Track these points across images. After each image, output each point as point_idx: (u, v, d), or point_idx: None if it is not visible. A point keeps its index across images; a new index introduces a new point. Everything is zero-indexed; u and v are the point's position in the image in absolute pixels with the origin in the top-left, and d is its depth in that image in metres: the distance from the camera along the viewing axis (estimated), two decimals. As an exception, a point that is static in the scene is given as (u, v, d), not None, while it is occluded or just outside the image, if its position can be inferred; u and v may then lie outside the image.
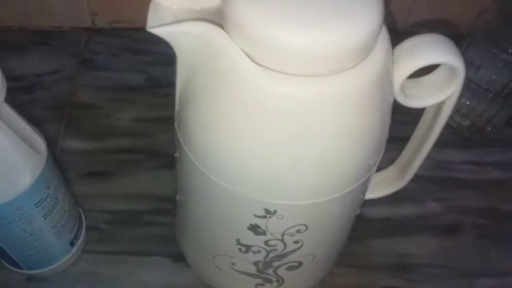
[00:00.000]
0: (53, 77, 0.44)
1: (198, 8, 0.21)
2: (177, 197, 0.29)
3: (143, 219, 0.36)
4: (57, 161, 0.38)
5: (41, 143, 0.27)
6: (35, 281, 0.33)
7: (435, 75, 0.24)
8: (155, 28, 0.20)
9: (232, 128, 0.21)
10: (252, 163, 0.21)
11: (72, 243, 0.32)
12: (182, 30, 0.20)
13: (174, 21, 0.20)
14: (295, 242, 0.25)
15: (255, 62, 0.19)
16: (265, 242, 0.25)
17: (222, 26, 0.20)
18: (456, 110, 0.42)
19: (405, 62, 0.23)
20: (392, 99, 0.24)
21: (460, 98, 0.40)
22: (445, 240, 0.37)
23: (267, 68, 0.19)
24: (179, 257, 0.34)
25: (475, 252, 0.37)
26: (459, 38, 0.40)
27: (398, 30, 0.47)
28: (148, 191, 0.38)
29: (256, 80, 0.20)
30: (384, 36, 0.21)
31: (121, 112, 0.42)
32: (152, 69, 0.45)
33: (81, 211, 0.35)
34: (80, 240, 0.33)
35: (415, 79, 0.25)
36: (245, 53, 0.19)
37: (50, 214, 0.29)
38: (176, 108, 0.24)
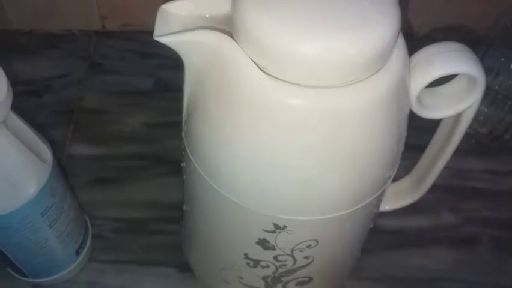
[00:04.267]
0: (61, 81, 0.43)
1: (207, 15, 0.20)
2: (184, 207, 0.28)
3: (150, 228, 0.36)
4: (64, 166, 0.38)
5: (47, 152, 0.27)
6: (41, 290, 0.33)
7: (453, 84, 0.23)
8: (162, 37, 0.19)
9: (242, 141, 0.20)
10: (262, 178, 0.20)
11: (78, 252, 0.32)
12: (190, 39, 0.19)
13: (182, 29, 0.19)
14: (306, 257, 0.24)
15: (265, 72, 0.19)
16: (274, 257, 0.24)
17: (231, 35, 0.19)
18: (474, 117, 0.41)
19: (422, 71, 0.21)
20: (409, 110, 0.22)
21: (477, 104, 0.40)
22: (462, 253, 0.36)
23: (278, 79, 0.19)
24: (186, 268, 0.33)
25: (493, 265, 0.35)
26: (477, 42, 0.39)
27: (414, 34, 0.45)
28: (155, 198, 0.37)
29: (267, 92, 0.19)
30: (401, 45, 0.20)
31: (129, 117, 0.41)
32: (161, 72, 0.44)
33: (87, 219, 0.34)
34: (86, 249, 0.33)
35: (432, 88, 0.23)
36: (255, 63, 0.19)
37: (55, 223, 0.28)
38: (184, 117, 0.23)
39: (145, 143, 0.40)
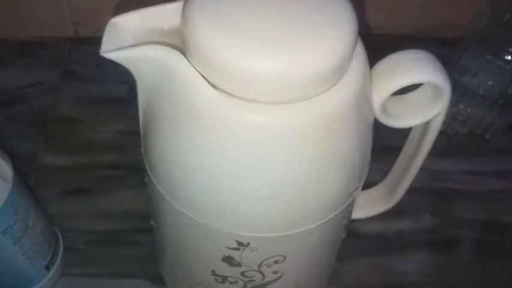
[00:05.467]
0: (34, 90, 0.42)
1: (157, 28, 0.20)
2: (151, 222, 0.28)
3: (124, 239, 0.35)
4: (35, 178, 0.37)
5: (6, 168, 0.26)
6: (13, 307, 0.32)
7: (419, 93, 0.23)
8: (109, 53, 0.18)
9: (196, 158, 0.19)
10: (219, 194, 0.20)
11: (48, 268, 0.31)
12: (138, 55, 0.18)
13: (130, 44, 0.19)
14: (274, 272, 0.24)
15: (216, 87, 0.18)
16: (242, 273, 0.23)
17: (181, 50, 0.18)
18: (453, 117, 0.40)
19: (386, 81, 0.21)
20: (372, 120, 0.22)
21: (456, 104, 0.40)
22: (443, 257, 0.35)
23: (230, 94, 0.18)
24: (160, 280, 0.32)
25: (475, 268, 0.35)
26: (454, 43, 0.38)
27: (392, 35, 0.45)
28: (130, 208, 0.36)
29: (218, 108, 0.18)
30: (360, 54, 0.20)
31: (104, 125, 0.40)
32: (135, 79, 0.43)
33: (58, 232, 0.33)
34: (56, 264, 0.32)
35: (398, 96, 0.23)
36: (205, 79, 0.18)
37: (20, 241, 0.27)
38: (142, 132, 0.22)
39: (120, 152, 0.39)
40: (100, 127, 0.40)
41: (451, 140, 0.41)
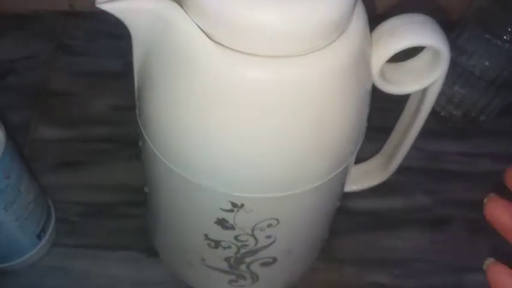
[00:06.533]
0: (27, 63, 0.42)
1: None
2: (145, 189, 0.28)
3: (117, 211, 0.35)
4: (29, 150, 0.37)
5: (-1, 132, 0.26)
6: (3, 275, 0.31)
7: (418, 59, 0.23)
8: (105, 4, 0.18)
9: (192, 114, 0.19)
10: (214, 153, 0.20)
11: (39, 236, 0.31)
12: (134, 7, 0.18)
13: (127, -4, 0.18)
14: (267, 237, 0.23)
15: (214, 41, 0.18)
16: (235, 237, 0.23)
17: (179, 2, 0.18)
18: (448, 99, 0.40)
19: (385, 43, 0.21)
20: (371, 85, 0.22)
21: (452, 86, 0.40)
22: (434, 234, 0.35)
23: (228, 47, 0.18)
24: (152, 252, 0.32)
25: (465, 246, 0.35)
26: (452, 24, 0.38)
27: (388, 14, 0.45)
28: (122, 181, 0.36)
29: (217, 62, 0.18)
30: (360, 13, 0.20)
31: (97, 99, 0.40)
32: (131, 54, 0.43)
33: (50, 203, 0.33)
34: (48, 233, 0.32)
35: (397, 63, 0.23)
36: (203, 31, 0.18)
37: (11, 206, 0.27)
38: (136, 93, 0.22)
39: (113, 125, 0.39)
40: (94, 101, 0.40)
41: (446, 122, 0.41)
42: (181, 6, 0.18)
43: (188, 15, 0.18)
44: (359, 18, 0.19)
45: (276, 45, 0.17)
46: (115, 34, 0.43)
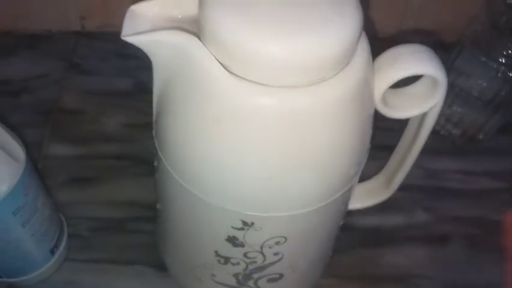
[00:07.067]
0: (40, 81, 0.43)
1: (175, 16, 0.21)
2: (157, 206, 0.29)
3: (127, 227, 0.36)
4: (41, 167, 0.38)
5: (20, 151, 0.27)
6: (15, 290, 0.32)
7: (417, 85, 0.24)
8: (130, 36, 0.19)
9: (208, 139, 0.20)
10: (228, 175, 0.21)
11: (52, 252, 0.32)
12: (157, 39, 0.19)
13: (150, 29, 0.20)
14: (275, 254, 0.25)
15: (230, 72, 0.19)
16: (244, 254, 0.24)
17: (198, 36, 0.20)
18: (447, 118, 0.42)
19: (386, 72, 0.22)
20: (373, 110, 0.23)
21: (451, 106, 0.41)
22: (435, 251, 0.36)
23: (243, 78, 0.19)
24: (161, 267, 0.33)
25: (465, 262, 0.36)
26: (450, 46, 0.40)
27: (388, 38, 0.46)
28: (133, 198, 0.37)
29: (231, 91, 0.19)
30: (364, 45, 0.21)
31: (108, 117, 0.41)
32: (140, 74, 0.44)
33: (63, 218, 0.34)
34: (61, 249, 0.33)
35: (397, 89, 0.24)
36: (220, 63, 0.19)
37: (28, 222, 0.28)
38: (154, 117, 0.24)
39: (123, 143, 0.40)
40: (105, 119, 0.41)
41: (445, 141, 0.42)
42: (200, 39, 0.19)
43: (206, 48, 0.19)
44: (363, 50, 0.21)
45: (286, 77, 0.19)
46: (125, 54, 0.46)
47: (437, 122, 0.42)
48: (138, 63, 0.45)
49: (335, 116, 0.20)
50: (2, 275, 0.31)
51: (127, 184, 0.38)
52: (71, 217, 0.35)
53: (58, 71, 0.44)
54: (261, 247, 0.24)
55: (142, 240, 0.35)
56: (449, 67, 0.39)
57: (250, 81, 0.19)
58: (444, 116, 0.41)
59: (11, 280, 0.32)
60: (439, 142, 0.42)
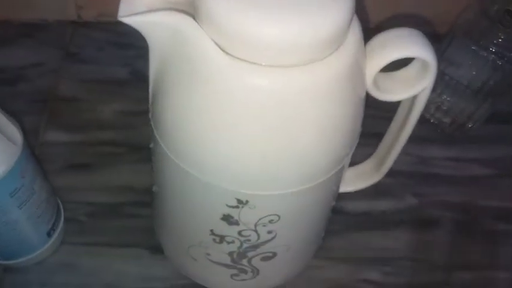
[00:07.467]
0: (36, 70, 0.44)
1: (170, -2, 0.21)
2: (153, 188, 0.29)
3: (123, 212, 0.36)
4: (38, 153, 0.38)
5: (17, 134, 0.28)
6: (12, 272, 0.33)
7: (408, 69, 0.25)
8: (126, 17, 0.20)
9: (203, 119, 0.21)
10: (223, 154, 0.21)
11: (49, 234, 0.32)
12: (153, 20, 0.20)
13: (146, 10, 0.20)
14: (269, 232, 0.25)
15: (225, 52, 0.20)
16: (239, 233, 0.25)
17: (193, 17, 0.20)
18: (437, 107, 0.43)
19: (377, 55, 0.23)
20: (365, 93, 0.24)
21: (440, 95, 0.42)
22: (423, 235, 0.37)
23: (238, 58, 0.20)
24: (158, 249, 0.34)
25: (452, 246, 0.37)
26: (440, 36, 0.40)
27: (382, 27, 0.47)
28: (129, 183, 0.38)
29: (227, 71, 0.20)
30: (356, 28, 0.22)
31: (104, 105, 0.42)
32: (137, 63, 0.45)
33: (60, 202, 0.35)
34: (57, 231, 0.33)
35: (389, 73, 0.25)
36: (216, 43, 0.20)
37: (25, 204, 0.29)
38: (150, 98, 0.24)
39: (120, 130, 0.40)
40: (101, 107, 0.42)
41: (435, 129, 0.43)
42: (195, 20, 0.20)
43: (202, 28, 0.20)
44: (355, 33, 0.21)
45: (280, 57, 0.19)
46: (121, 43, 0.46)
47: (427, 111, 0.43)
48: (134, 53, 0.46)
49: (327, 94, 0.21)
50: None
51: (124, 170, 0.38)
52: (68, 202, 0.36)
53: (55, 59, 0.44)
54: (255, 225, 0.25)
55: (138, 224, 0.35)
56: (439, 56, 0.40)
57: (245, 60, 0.19)
58: (435, 105, 0.42)
59: (8, 262, 0.32)
60: (429, 130, 0.42)
